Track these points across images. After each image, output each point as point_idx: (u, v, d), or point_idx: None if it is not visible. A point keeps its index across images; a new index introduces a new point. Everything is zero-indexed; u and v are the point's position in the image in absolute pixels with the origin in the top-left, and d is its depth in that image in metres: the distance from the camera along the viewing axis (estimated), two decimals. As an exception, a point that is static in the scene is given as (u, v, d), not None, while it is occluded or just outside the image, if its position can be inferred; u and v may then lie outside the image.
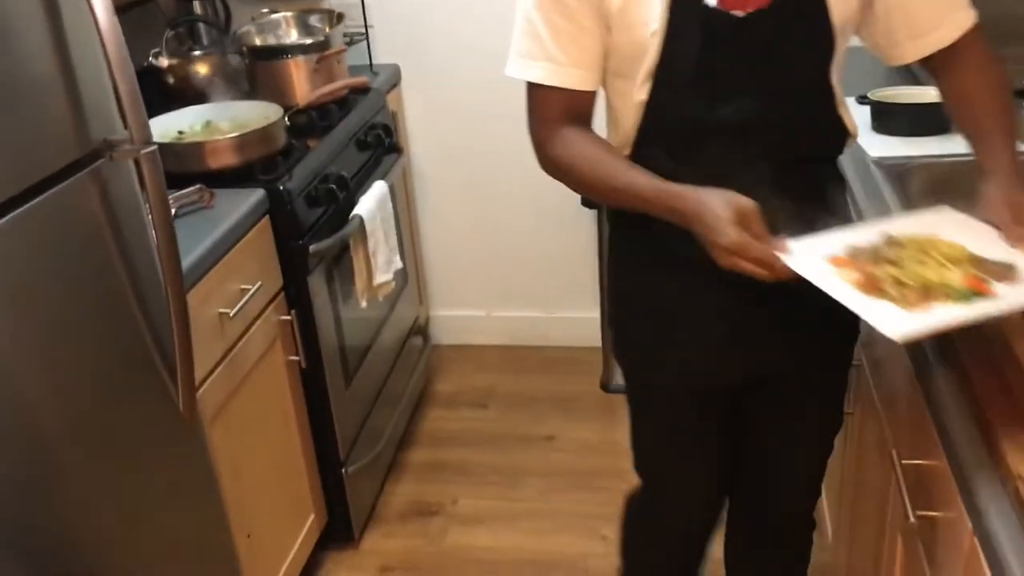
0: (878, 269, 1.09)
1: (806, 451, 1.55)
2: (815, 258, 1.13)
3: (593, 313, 2.88)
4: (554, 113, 1.28)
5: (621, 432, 2.75)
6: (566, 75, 1.25)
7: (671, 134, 1.26)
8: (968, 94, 1.30)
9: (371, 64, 2.70)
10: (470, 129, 2.86)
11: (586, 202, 2.63)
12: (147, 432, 1.40)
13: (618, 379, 2.86)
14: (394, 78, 2.75)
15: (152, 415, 1.41)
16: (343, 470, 2.19)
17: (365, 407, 2.35)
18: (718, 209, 1.12)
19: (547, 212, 2.92)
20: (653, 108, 1.24)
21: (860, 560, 1.65)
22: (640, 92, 1.24)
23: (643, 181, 1.22)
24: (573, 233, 2.92)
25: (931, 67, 1.35)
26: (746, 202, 1.12)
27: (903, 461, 1.25)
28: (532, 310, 3.10)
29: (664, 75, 1.21)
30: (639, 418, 1.53)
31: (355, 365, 2.27)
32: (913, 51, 1.31)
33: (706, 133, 1.24)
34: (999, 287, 1.07)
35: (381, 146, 2.42)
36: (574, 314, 3.05)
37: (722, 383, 1.42)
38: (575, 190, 1.36)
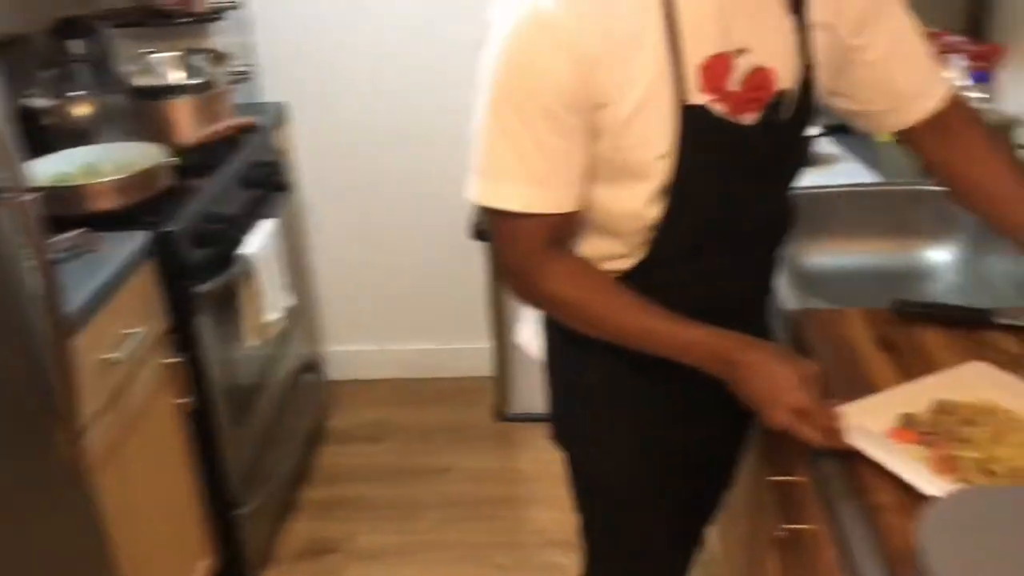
0: (955, 449, 1.03)
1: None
2: (876, 432, 1.08)
3: (485, 343, 2.92)
4: (541, 241, 1.14)
5: (516, 460, 2.82)
6: (557, 199, 1.11)
7: (679, 246, 1.18)
8: (973, 170, 1.25)
9: (257, 102, 2.71)
10: (359, 164, 2.89)
11: (476, 233, 2.68)
12: (30, 482, 1.37)
13: (512, 407, 2.92)
14: (282, 116, 2.75)
15: (36, 464, 1.38)
16: (237, 511, 2.17)
17: (258, 446, 2.33)
18: (785, 368, 1.10)
19: (437, 244, 2.96)
20: (665, 227, 1.15)
21: (743, 573, 1.73)
22: (649, 210, 1.14)
23: (677, 327, 1.14)
24: (463, 264, 2.96)
25: (918, 143, 1.29)
26: (811, 366, 1.12)
27: (772, 478, 1.33)
28: (425, 342, 3.12)
29: (678, 196, 1.12)
30: (604, 521, 1.43)
31: (246, 405, 2.25)
32: (896, 121, 1.27)
33: (715, 241, 1.19)
34: None
35: (268, 184, 2.42)
36: (466, 344, 3.08)
37: (695, 479, 1.40)
38: (569, 324, 1.22)
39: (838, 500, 1.04)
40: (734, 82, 1.10)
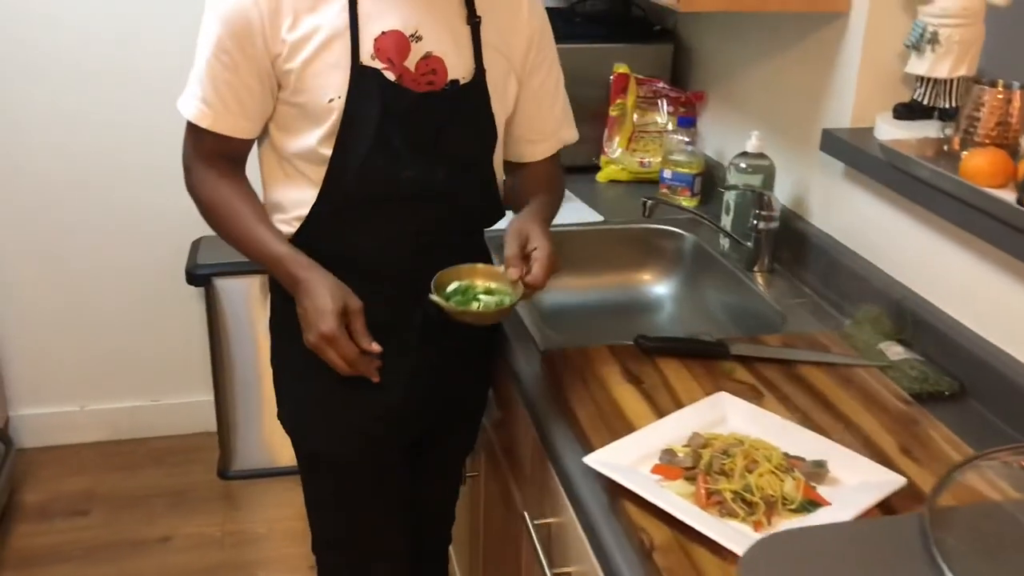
0: (715, 482, 1.06)
1: (453, 480, 1.69)
2: (641, 470, 1.10)
3: (205, 396, 2.73)
4: (206, 150, 1.34)
5: (243, 521, 2.63)
6: (219, 120, 1.30)
7: (353, 196, 1.31)
8: (534, 184, 1.47)
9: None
10: (49, 206, 2.60)
11: (191, 279, 2.50)
12: None
13: (237, 464, 2.73)
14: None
15: None
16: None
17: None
18: (328, 296, 1.24)
19: (146, 291, 2.73)
20: (336, 168, 1.29)
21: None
22: (322, 147, 1.29)
23: (272, 240, 1.30)
24: (177, 312, 2.75)
25: (515, 172, 1.49)
26: (355, 302, 1.26)
27: (535, 521, 1.32)
28: (134, 399, 2.85)
29: (346, 137, 1.28)
30: (327, 490, 1.50)
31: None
32: (528, 153, 1.47)
33: (385, 197, 1.31)
34: (825, 492, 1.07)
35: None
36: (183, 399, 2.86)
37: (402, 441, 1.47)
38: (210, 225, 1.38)
39: (608, 542, 1.05)
40: (410, 62, 1.28)
